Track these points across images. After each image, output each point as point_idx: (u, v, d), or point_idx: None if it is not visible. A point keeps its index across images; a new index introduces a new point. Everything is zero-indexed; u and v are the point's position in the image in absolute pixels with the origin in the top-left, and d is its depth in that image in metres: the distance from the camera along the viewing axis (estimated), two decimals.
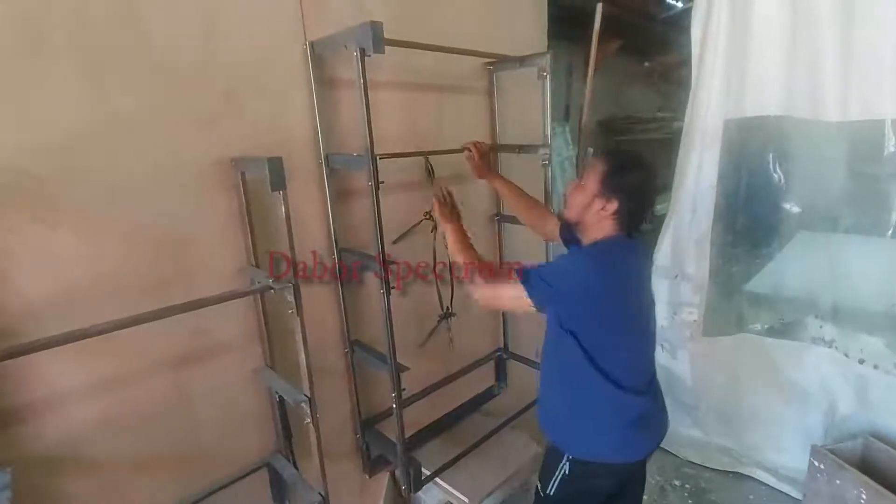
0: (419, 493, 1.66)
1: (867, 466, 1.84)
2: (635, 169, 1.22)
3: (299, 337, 1.15)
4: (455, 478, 1.65)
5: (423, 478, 1.55)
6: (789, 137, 1.92)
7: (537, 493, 1.33)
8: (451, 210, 1.49)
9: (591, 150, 3.08)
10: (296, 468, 1.38)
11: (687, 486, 2.16)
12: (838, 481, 1.83)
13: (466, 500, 1.58)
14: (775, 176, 2.04)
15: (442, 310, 1.75)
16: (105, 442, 1.12)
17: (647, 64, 4.07)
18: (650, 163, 1.23)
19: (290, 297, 1.12)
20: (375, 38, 1.15)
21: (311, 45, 1.32)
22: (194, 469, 1.28)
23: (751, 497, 2.10)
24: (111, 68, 1.04)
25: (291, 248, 1.11)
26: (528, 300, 1.14)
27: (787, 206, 2.05)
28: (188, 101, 1.15)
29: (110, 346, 1.06)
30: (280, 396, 1.35)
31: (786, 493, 2.08)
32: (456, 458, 1.67)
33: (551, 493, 1.26)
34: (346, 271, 1.48)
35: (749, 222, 2.15)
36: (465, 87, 1.80)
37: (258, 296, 1.30)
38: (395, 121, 1.59)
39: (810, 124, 1.82)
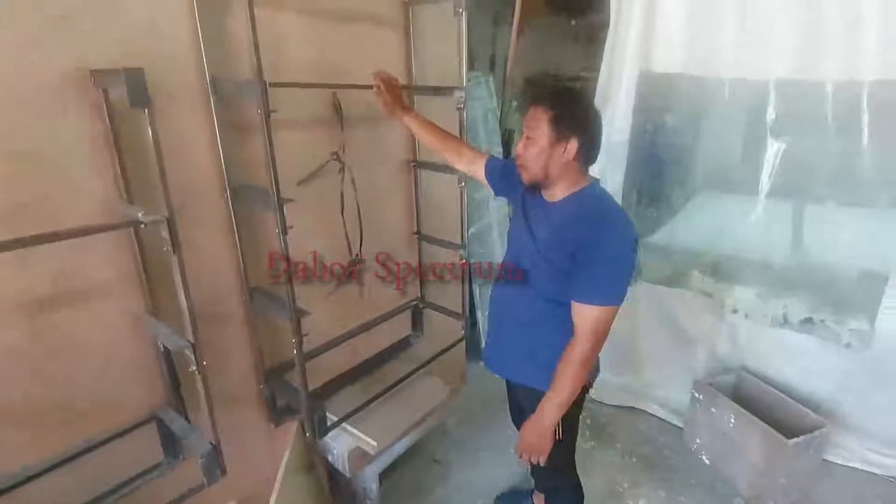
0: (328, 439, 1.64)
1: (738, 396, 2.09)
2: (578, 100, 1.22)
3: (178, 278, 1.05)
4: (364, 423, 1.65)
5: (328, 424, 1.53)
6: (689, 95, 2.02)
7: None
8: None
9: (514, 103, 3.07)
10: (187, 420, 1.30)
11: (588, 420, 2.34)
12: (713, 409, 2.06)
13: (375, 443, 1.58)
14: (677, 133, 2.15)
15: (350, 256, 1.68)
16: None
17: (573, 23, 4.07)
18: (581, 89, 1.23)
19: (165, 233, 1.01)
20: None
21: None
22: (70, 425, 1.16)
23: (642, 427, 2.33)
24: None
25: (162, 177, 0.98)
26: (613, 312, 1.18)
27: (686, 163, 2.18)
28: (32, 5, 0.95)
29: None
30: (164, 345, 1.24)
31: (672, 424, 2.33)
32: (365, 403, 1.66)
33: (561, 437, 1.32)
34: (242, 211, 1.37)
35: (653, 178, 2.27)
36: (380, 20, 1.67)
37: (133, 235, 1.16)
38: (298, 50, 1.44)
39: (708, 82, 1.92)
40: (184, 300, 1.06)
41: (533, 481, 1.84)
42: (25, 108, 0.98)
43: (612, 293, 1.16)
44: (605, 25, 2.12)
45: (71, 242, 1.08)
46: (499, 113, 2.79)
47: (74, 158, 1.06)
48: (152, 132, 0.95)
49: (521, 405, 1.56)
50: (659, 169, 2.21)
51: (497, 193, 1.53)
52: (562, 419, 1.31)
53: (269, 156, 1.18)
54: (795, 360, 2.03)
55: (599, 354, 1.37)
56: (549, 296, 1.27)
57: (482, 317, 2.73)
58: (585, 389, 1.38)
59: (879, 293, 1.84)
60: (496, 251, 2.67)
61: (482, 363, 1.52)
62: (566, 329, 1.24)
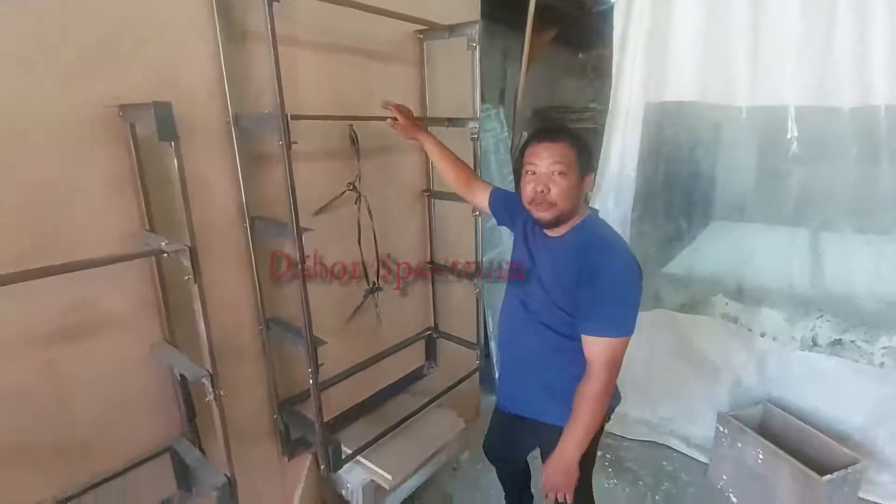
0: (341, 473, 1.60)
1: (765, 430, 2.01)
2: (581, 135, 1.25)
3: (198, 306, 1.05)
4: (379, 456, 1.61)
5: (343, 457, 1.49)
6: (702, 122, 2.04)
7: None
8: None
9: (525, 134, 3.12)
10: (201, 451, 1.28)
11: (607, 455, 2.26)
12: (740, 444, 1.98)
13: (389, 476, 1.54)
14: (689, 162, 2.16)
15: (368, 285, 1.69)
16: None
17: (580, 56, 4.18)
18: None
19: (187, 262, 1.02)
20: None
21: None
22: (84, 458, 1.14)
23: (664, 463, 2.23)
24: None
25: (186, 207, 1.00)
26: (626, 343, 1.17)
27: (700, 192, 2.18)
28: (61, 42, 1.00)
29: None
30: (182, 374, 1.24)
31: (695, 459, 2.24)
32: (379, 436, 1.62)
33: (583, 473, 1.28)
34: (259, 242, 1.38)
35: (666, 207, 2.26)
36: (395, 56, 1.74)
37: (154, 264, 1.18)
38: (317, 85, 1.50)
39: (722, 109, 1.94)
40: (203, 329, 1.06)
41: None
42: (53, 140, 1.01)
43: (623, 324, 1.15)
44: (610, 58, 2.17)
45: (93, 272, 1.10)
46: (509, 143, 2.83)
47: (99, 189, 1.09)
48: (178, 165, 0.97)
49: (520, 440, 1.54)
50: (673, 197, 2.21)
51: (500, 223, 1.54)
52: (583, 462, 1.28)
53: (290, 185, 1.21)
54: (825, 387, 1.96)
55: (618, 383, 1.36)
56: (557, 330, 1.26)
57: (496, 347, 2.69)
58: (604, 420, 1.35)
59: None
60: None
61: (493, 396, 1.50)
62: (578, 361, 1.21)
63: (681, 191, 2.18)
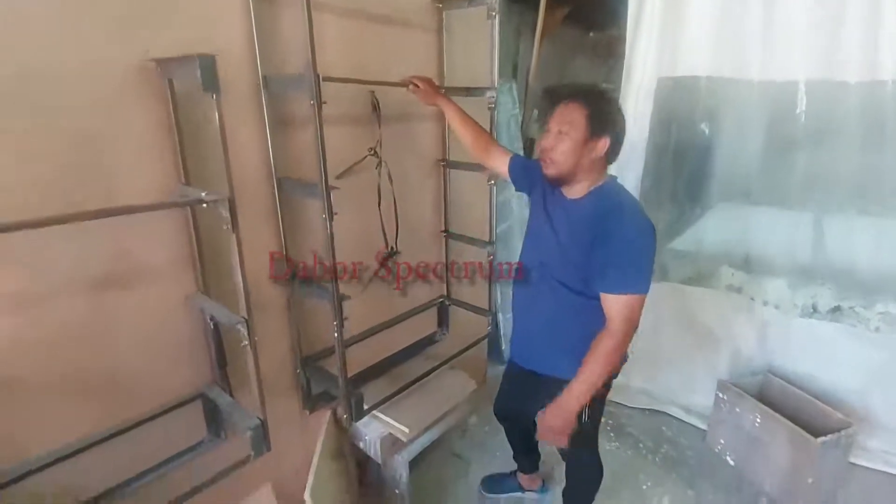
0: (360, 426, 1.68)
1: (763, 397, 2.09)
2: (610, 100, 1.29)
3: (235, 256, 1.11)
4: (395, 412, 1.69)
5: (364, 409, 1.57)
6: (715, 97, 2.07)
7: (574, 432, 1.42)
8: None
9: (535, 112, 3.14)
10: (232, 398, 1.35)
11: (609, 421, 2.35)
12: (738, 409, 2.06)
13: (406, 429, 1.62)
14: (699, 136, 2.19)
15: (387, 248, 1.74)
16: (15, 362, 1.03)
17: (592, 35, 4.17)
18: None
19: (225, 212, 1.07)
20: None
21: None
22: (119, 399, 1.21)
23: (663, 428, 2.33)
24: None
25: (226, 159, 1.05)
26: (642, 300, 1.22)
27: (709, 166, 2.22)
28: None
29: (18, 257, 0.98)
30: (214, 324, 1.30)
31: (694, 426, 2.33)
32: (396, 392, 1.70)
33: (585, 421, 1.40)
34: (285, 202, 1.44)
35: (675, 180, 2.31)
36: (415, 24, 1.76)
37: (190, 217, 1.23)
38: (340, 51, 1.53)
39: (735, 83, 1.97)
40: (240, 277, 1.12)
41: (517, 464, 1.91)
42: (94, 92, 1.06)
43: (639, 281, 1.21)
44: (622, 38, 2.19)
45: (134, 225, 1.16)
46: (521, 119, 2.86)
47: (137, 143, 1.14)
48: (219, 116, 1.02)
49: (531, 396, 1.60)
50: (682, 172, 2.25)
51: (518, 189, 1.60)
52: (589, 401, 1.36)
53: (321, 144, 1.25)
54: (823, 353, 2.03)
55: (629, 351, 1.43)
56: (573, 288, 1.32)
57: (503, 319, 2.76)
58: (614, 374, 1.43)
59: None
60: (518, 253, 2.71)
61: (503, 365, 1.57)
62: (592, 319, 1.28)
63: (691, 165, 2.22)
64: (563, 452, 1.69)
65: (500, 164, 1.56)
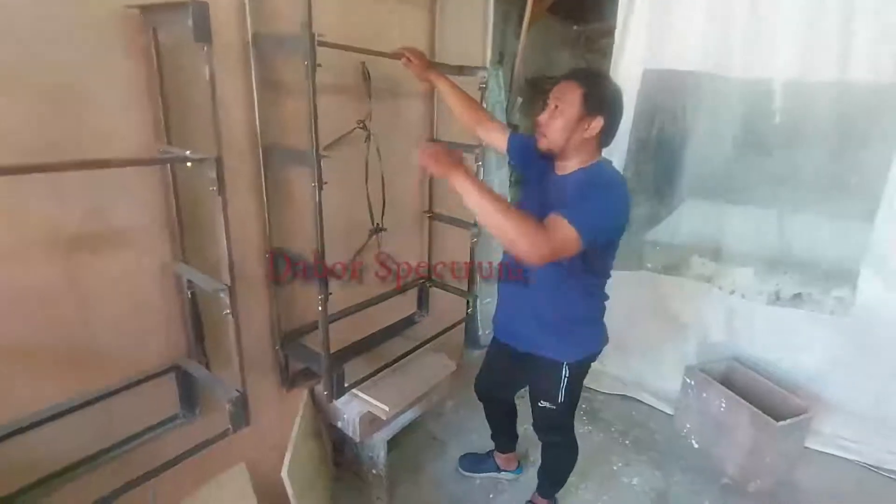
0: (338, 405, 1.65)
1: (728, 384, 2.18)
2: (608, 82, 1.30)
3: (220, 219, 1.06)
4: (375, 391, 1.67)
5: (344, 387, 1.54)
6: (697, 91, 2.12)
7: (547, 409, 1.49)
8: (449, 153, 1.15)
9: (520, 100, 3.15)
10: (209, 371, 1.30)
11: (583, 406, 2.40)
12: (704, 394, 2.14)
13: (386, 407, 1.60)
14: (680, 130, 2.25)
15: (372, 224, 1.71)
16: None
17: (575, 28, 4.20)
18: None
19: (212, 173, 1.02)
20: None
21: None
22: (88, 368, 1.14)
23: (633, 413, 2.40)
24: None
25: (215, 116, 1.00)
26: (579, 243, 1.11)
27: (685, 162, 2.28)
28: None
29: None
30: (193, 294, 1.24)
31: (661, 410, 2.41)
32: (376, 371, 1.68)
33: (563, 400, 1.46)
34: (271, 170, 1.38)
35: (654, 173, 2.36)
36: None
37: (171, 180, 1.16)
38: (330, 17, 1.47)
39: (716, 79, 2.02)
40: (224, 243, 1.07)
41: (495, 443, 1.95)
42: (72, 44, 0.98)
43: (587, 223, 1.11)
44: (606, 33, 2.21)
45: (111, 183, 1.09)
46: (505, 105, 2.85)
47: (117, 97, 1.07)
48: (210, 70, 0.96)
49: (512, 375, 1.64)
50: (660, 164, 2.31)
51: (512, 162, 1.60)
52: (567, 381, 1.42)
53: (313, 108, 1.21)
54: (785, 338, 2.15)
55: (608, 335, 1.48)
56: (559, 263, 1.31)
57: (480, 306, 2.77)
58: (591, 358, 1.48)
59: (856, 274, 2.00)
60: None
61: (479, 351, 1.57)
62: (576, 298, 1.31)
63: (668, 158, 2.28)
64: (541, 434, 1.69)
65: (497, 138, 1.56)
